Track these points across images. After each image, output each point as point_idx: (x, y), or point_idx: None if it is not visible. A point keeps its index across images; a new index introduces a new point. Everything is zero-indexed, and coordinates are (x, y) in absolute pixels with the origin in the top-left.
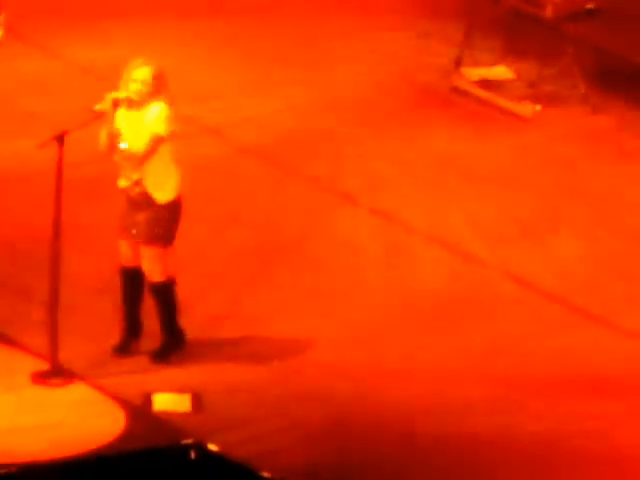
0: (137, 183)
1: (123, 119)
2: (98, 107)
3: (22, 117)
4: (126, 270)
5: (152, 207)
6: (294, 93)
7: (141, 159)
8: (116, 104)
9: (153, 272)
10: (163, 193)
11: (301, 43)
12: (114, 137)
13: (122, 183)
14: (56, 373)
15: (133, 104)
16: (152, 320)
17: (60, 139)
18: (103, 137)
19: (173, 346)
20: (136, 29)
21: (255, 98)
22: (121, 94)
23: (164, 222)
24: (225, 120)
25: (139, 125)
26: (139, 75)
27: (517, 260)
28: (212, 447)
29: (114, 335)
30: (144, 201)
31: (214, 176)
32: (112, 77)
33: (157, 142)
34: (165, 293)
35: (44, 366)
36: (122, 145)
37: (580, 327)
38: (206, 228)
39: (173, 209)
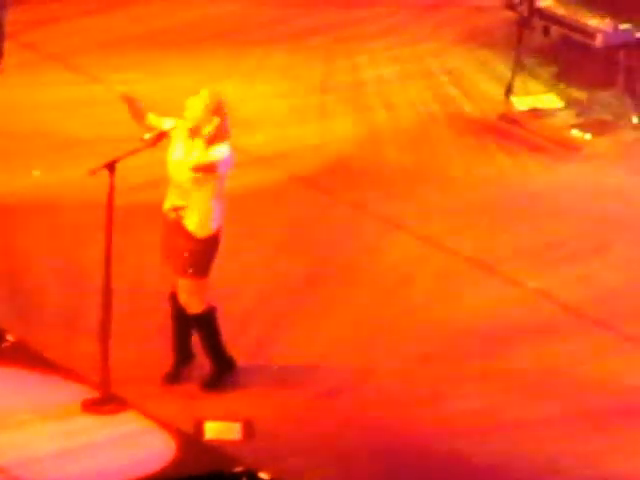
0: (176, 210)
1: (182, 146)
2: (148, 136)
3: (72, 146)
4: (174, 296)
5: (189, 240)
6: (341, 121)
7: (189, 183)
8: (161, 136)
9: (191, 304)
10: (201, 228)
11: (348, 71)
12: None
13: (165, 206)
14: (107, 401)
15: (191, 133)
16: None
17: (111, 167)
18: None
19: (223, 374)
20: (187, 58)
21: (303, 127)
22: (169, 124)
23: (200, 256)
24: (274, 149)
25: (194, 155)
26: (196, 103)
27: (562, 286)
28: (263, 475)
29: (166, 363)
30: (181, 231)
31: (262, 204)
32: (164, 106)
33: (209, 169)
34: (206, 323)
35: (95, 394)
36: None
37: (623, 352)
38: (254, 255)
39: (210, 243)
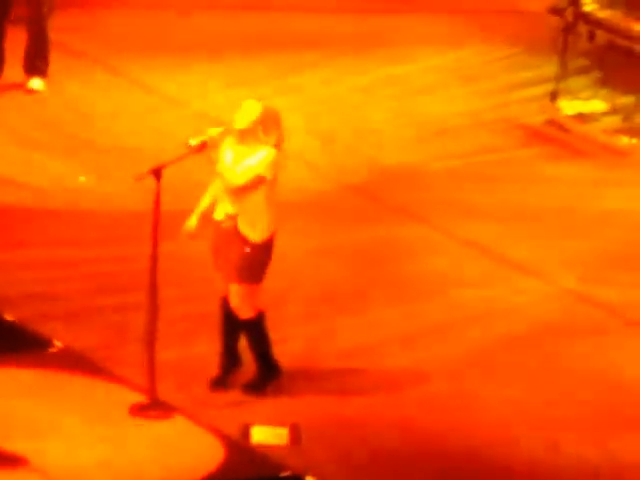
0: (231, 218)
1: (231, 152)
2: (193, 142)
3: (118, 152)
4: (225, 301)
5: (243, 245)
6: (387, 127)
7: (238, 193)
8: (203, 146)
9: (242, 309)
10: (256, 232)
11: (392, 76)
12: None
13: (217, 216)
14: (154, 406)
15: (241, 137)
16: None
17: (157, 173)
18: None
19: (268, 378)
20: (234, 65)
21: (349, 131)
22: (216, 131)
23: (254, 261)
24: (322, 154)
25: (244, 162)
26: (247, 110)
27: (608, 291)
28: None
29: (212, 368)
30: (236, 237)
31: (312, 210)
32: (210, 112)
33: (258, 182)
34: (256, 328)
35: (142, 399)
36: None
37: None
38: (303, 260)
39: (264, 249)
